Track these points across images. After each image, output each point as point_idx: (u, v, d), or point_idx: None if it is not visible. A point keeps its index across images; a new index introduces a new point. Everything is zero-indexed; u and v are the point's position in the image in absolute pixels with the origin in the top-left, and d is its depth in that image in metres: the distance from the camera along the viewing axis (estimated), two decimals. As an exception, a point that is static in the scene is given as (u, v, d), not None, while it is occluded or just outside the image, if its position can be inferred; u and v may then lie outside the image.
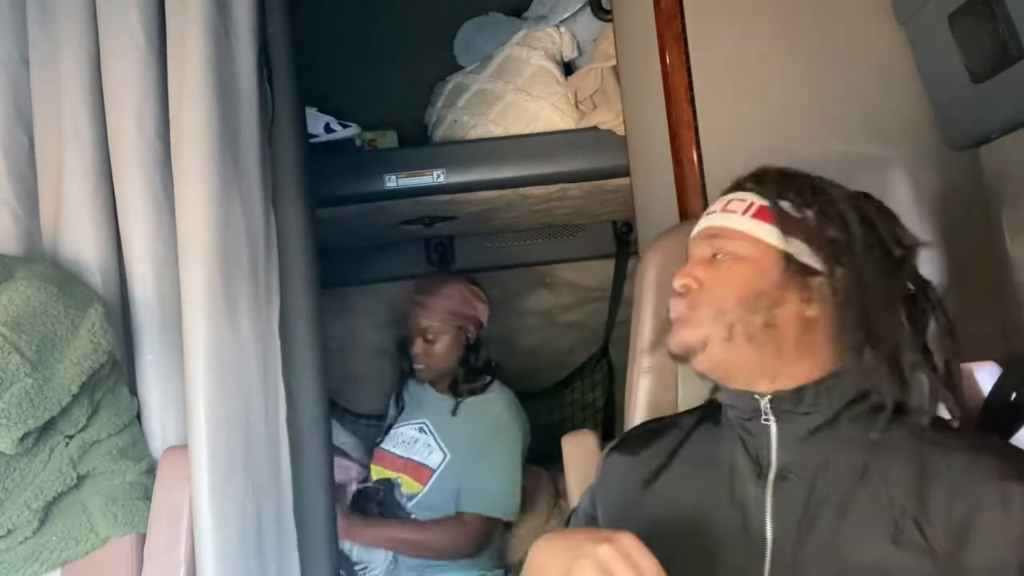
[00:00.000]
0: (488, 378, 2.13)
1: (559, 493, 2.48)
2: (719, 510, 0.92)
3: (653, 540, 0.92)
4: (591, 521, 1.06)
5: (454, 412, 2.08)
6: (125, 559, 1.20)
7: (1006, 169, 1.40)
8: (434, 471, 2.03)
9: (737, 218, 0.97)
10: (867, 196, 0.99)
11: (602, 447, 1.31)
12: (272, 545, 1.27)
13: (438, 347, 2.09)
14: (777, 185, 0.97)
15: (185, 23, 1.28)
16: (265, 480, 1.27)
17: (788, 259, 0.92)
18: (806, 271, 0.92)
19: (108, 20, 1.33)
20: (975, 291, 1.45)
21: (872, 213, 0.95)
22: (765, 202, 0.96)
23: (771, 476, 0.90)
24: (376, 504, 2.05)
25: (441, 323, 2.09)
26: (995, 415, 1.15)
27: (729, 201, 0.99)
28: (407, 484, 2.06)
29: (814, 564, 0.85)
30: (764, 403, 0.92)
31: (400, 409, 2.21)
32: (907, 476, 0.85)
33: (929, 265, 1.45)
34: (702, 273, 0.96)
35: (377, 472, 2.13)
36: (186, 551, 1.20)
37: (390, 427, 2.20)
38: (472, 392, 2.10)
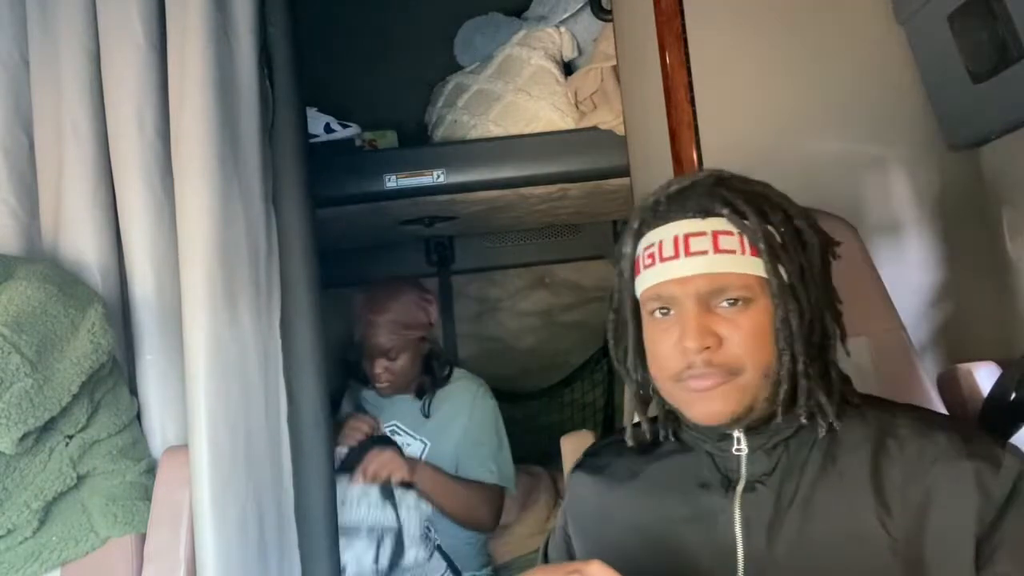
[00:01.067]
0: (448, 369, 2.10)
1: (559, 493, 2.48)
2: (688, 525, 0.90)
3: (623, 559, 0.89)
4: (566, 539, 1.05)
5: (426, 413, 2.04)
6: (125, 559, 1.20)
7: (1006, 169, 1.40)
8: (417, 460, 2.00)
9: (737, 259, 0.85)
10: (787, 199, 0.91)
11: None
12: (273, 545, 1.27)
13: (400, 363, 2.02)
14: (754, 208, 0.86)
15: (185, 23, 1.28)
16: (266, 480, 1.27)
17: (794, 292, 0.85)
18: (796, 298, 0.86)
19: (108, 20, 1.33)
20: (975, 291, 1.45)
21: (813, 221, 0.90)
22: (749, 232, 0.86)
23: (739, 488, 0.89)
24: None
25: (401, 340, 2.01)
26: (994, 415, 1.16)
27: (717, 236, 0.86)
28: None
29: (785, 569, 0.85)
30: (738, 434, 0.90)
31: None
32: (863, 470, 0.85)
33: (929, 265, 1.46)
34: (723, 328, 0.85)
35: None
36: (186, 551, 1.20)
37: None
38: (438, 387, 2.07)
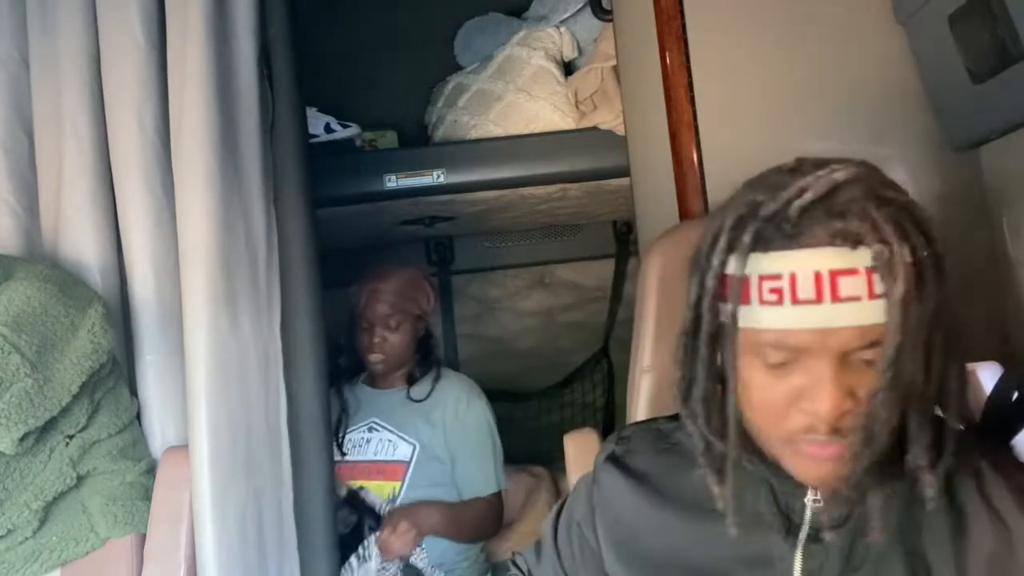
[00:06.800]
0: (436, 369, 2.08)
1: (559, 493, 2.48)
2: (737, 565, 0.79)
3: None
4: (581, 535, 0.92)
5: (415, 398, 2.01)
6: (125, 559, 1.20)
7: (1006, 169, 1.40)
8: (407, 464, 1.97)
9: (887, 305, 0.67)
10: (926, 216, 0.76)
11: (603, 447, 1.30)
12: (273, 545, 1.27)
13: (397, 336, 2.02)
14: (900, 234, 0.69)
15: (185, 23, 1.28)
16: (266, 480, 1.27)
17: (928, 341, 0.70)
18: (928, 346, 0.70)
19: (108, 20, 1.33)
20: (975, 291, 1.44)
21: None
22: (896, 272, 0.68)
23: (802, 535, 0.77)
24: (352, 510, 1.94)
25: (399, 311, 2.02)
26: (997, 416, 1.15)
27: (871, 277, 0.67)
28: (376, 488, 1.97)
29: None
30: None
31: (343, 415, 2.07)
32: (944, 534, 0.74)
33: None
34: (861, 387, 0.69)
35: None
36: (186, 551, 1.20)
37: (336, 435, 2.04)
38: (428, 376, 2.06)
